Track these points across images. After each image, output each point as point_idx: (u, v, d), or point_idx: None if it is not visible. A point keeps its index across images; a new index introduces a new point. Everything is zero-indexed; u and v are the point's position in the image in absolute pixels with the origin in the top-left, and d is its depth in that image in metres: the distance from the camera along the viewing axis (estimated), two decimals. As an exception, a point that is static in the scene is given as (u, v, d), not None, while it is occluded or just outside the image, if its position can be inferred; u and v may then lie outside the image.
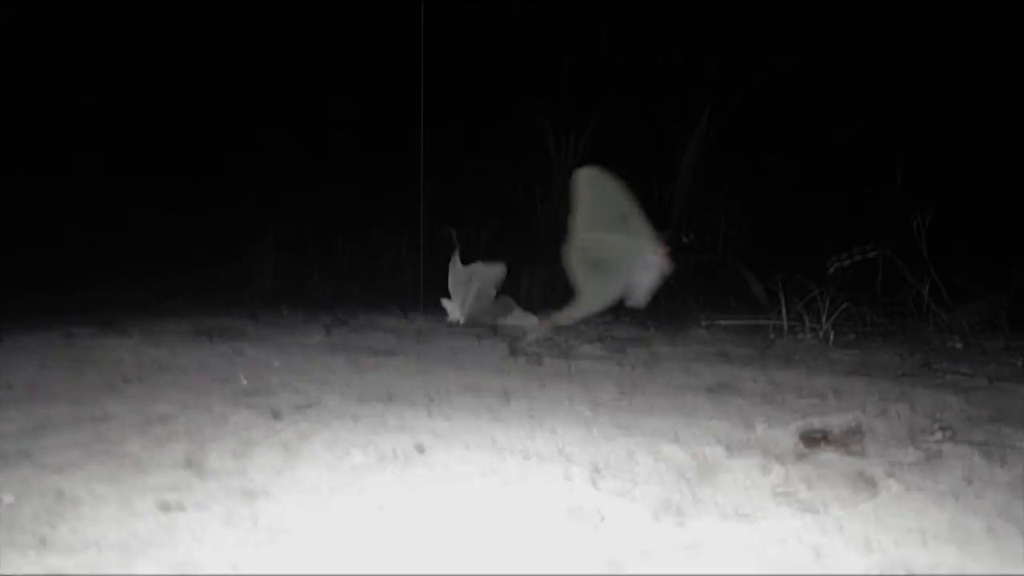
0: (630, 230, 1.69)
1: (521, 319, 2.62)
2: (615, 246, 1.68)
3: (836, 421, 1.38)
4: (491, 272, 2.65)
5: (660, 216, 3.64)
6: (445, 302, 2.65)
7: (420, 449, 1.21)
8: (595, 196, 1.77)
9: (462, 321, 2.59)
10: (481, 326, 2.59)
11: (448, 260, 2.69)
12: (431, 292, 3.46)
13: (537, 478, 1.10)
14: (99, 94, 4.06)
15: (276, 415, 1.41)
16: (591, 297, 1.68)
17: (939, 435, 1.35)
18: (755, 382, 1.80)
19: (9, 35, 3.62)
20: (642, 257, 1.64)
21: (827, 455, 1.22)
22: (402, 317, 2.86)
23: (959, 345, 2.35)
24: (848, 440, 1.29)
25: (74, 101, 4.02)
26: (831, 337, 2.40)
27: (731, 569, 0.84)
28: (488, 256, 3.55)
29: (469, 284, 2.61)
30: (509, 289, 3.13)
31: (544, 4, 4.11)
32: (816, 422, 1.37)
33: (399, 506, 0.99)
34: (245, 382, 1.71)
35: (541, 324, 2.45)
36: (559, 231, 3.58)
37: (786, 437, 1.30)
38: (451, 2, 4.06)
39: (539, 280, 3.46)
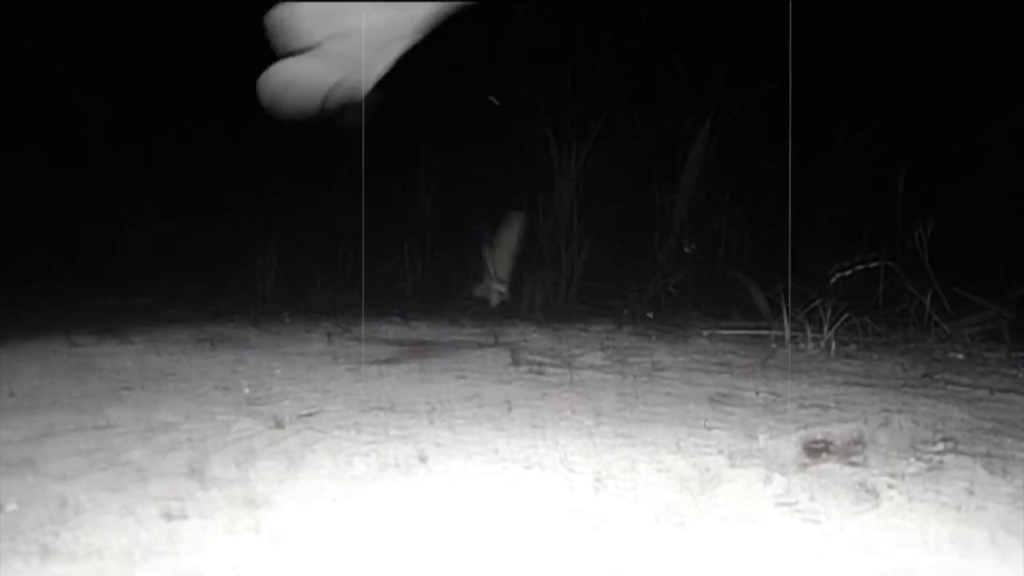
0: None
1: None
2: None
3: (838, 431, 1.38)
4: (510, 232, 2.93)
5: (662, 224, 3.66)
6: (479, 288, 2.90)
7: (422, 458, 1.22)
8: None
9: (504, 291, 2.85)
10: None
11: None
12: (431, 300, 3.46)
13: (539, 488, 1.10)
14: (99, 95, 4.07)
15: (278, 423, 1.41)
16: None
17: (941, 446, 1.35)
18: (757, 392, 1.80)
19: (8, 34, 3.63)
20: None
21: (829, 465, 1.22)
22: (404, 325, 2.86)
23: (961, 355, 2.35)
24: (850, 450, 1.29)
25: (74, 103, 4.03)
26: (833, 347, 2.40)
27: (733, 580, 0.84)
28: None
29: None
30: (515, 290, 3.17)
31: (547, 11, 4.12)
32: (818, 432, 1.37)
33: (401, 515, 0.99)
34: (247, 390, 1.71)
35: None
36: (561, 238, 3.58)
37: (788, 447, 1.30)
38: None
39: (541, 286, 3.46)
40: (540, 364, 2.11)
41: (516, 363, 2.13)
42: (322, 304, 3.35)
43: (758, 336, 2.59)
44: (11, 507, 0.98)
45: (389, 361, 2.14)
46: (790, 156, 2.61)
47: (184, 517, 0.96)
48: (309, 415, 1.49)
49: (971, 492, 1.11)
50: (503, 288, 2.81)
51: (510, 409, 1.58)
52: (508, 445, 1.30)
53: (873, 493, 1.09)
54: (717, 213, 3.69)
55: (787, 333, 2.52)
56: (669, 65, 4.05)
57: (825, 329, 2.46)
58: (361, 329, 2.74)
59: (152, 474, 1.12)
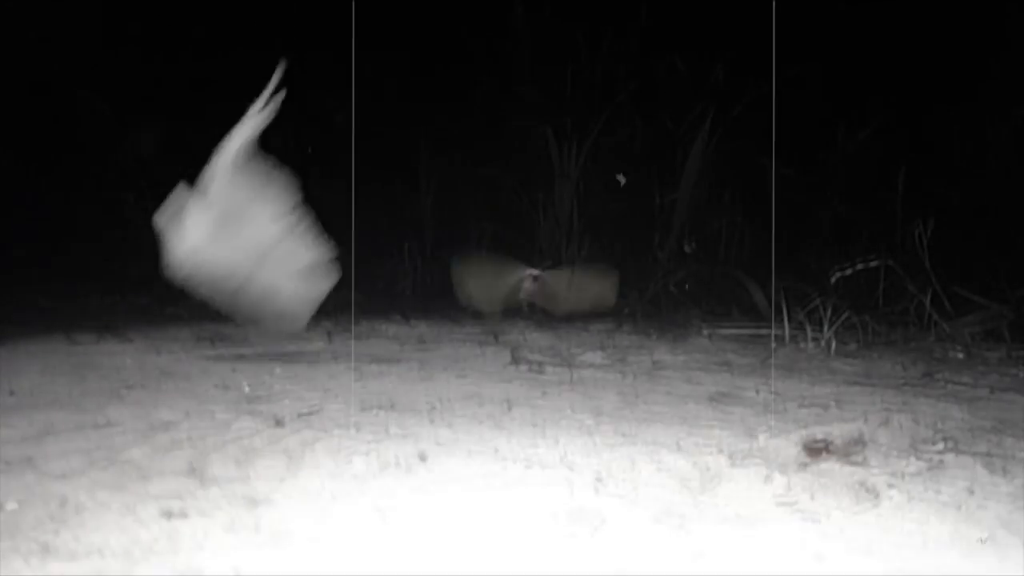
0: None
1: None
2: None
3: (838, 431, 1.38)
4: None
5: (662, 223, 3.66)
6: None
7: (422, 457, 1.22)
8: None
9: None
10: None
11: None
12: (431, 300, 3.45)
13: (539, 486, 1.10)
14: (99, 93, 4.07)
15: (278, 422, 1.41)
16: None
17: (941, 445, 1.35)
18: (757, 391, 1.80)
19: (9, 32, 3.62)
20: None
21: (829, 465, 1.22)
22: (404, 324, 2.86)
23: (961, 355, 2.35)
24: (850, 450, 1.29)
25: (71, 100, 4.03)
26: (833, 346, 2.40)
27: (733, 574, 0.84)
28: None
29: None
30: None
31: (547, 11, 4.12)
32: (818, 432, 1.37)
33: (401, 513, 0.99)
34: (247, 389, 1.71)
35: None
36: (561, 238, 3.58)
37: (788, 447, 1.30)
38: (454, 9, 4.07)
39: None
40: (540, 363, 2.11)
41: (516, 362, 2.13)
42: (322, 303, 3.35)
43: (758, 335, 2.59)
44: (11, 506, 0.98)
45: (389, 360, 2.14)
46: (773, 155, 2.61)
47: (184, 516, 0.96)
48: (309, 414, 1.49)
49: (971, 492, 1.11)
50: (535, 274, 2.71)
51: (510, 408, 1.58)
52: (508, 444, 1.31)
53: (873, 492, 1.09)
54: (717, 212, 3.69)
55: (787, 332, 2.52)
56: (669, 65, 4.05)
57: (825, 328, 2.47)
58: (361, 327, 2.74)
59: (152, 473, 1.12)
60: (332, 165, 4.08)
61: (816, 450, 1.29)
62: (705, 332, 2.70)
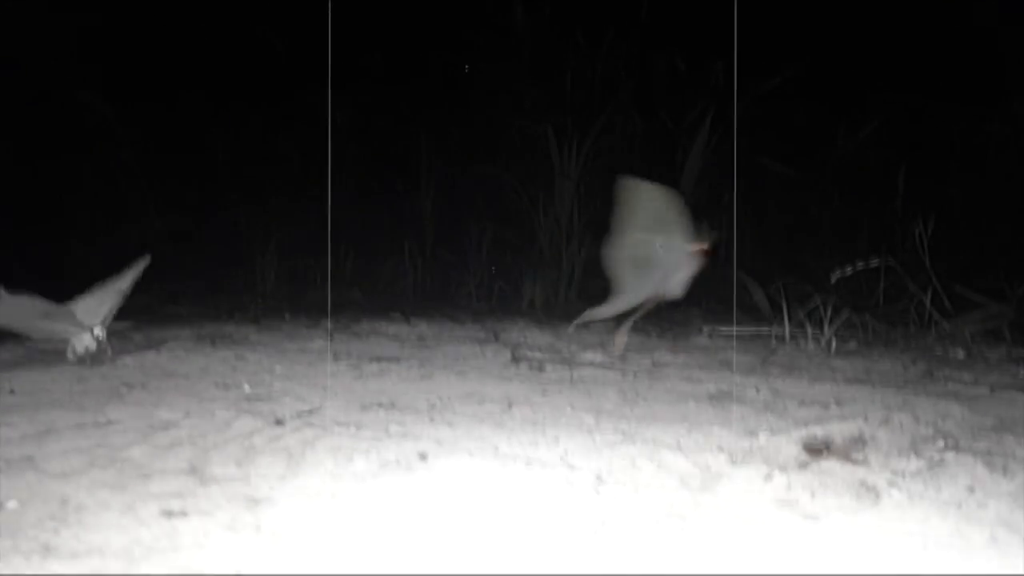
0: (668, 229, 1.96)
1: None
2: (654, 245, 1.99)
3: (838, 430, 1.38)
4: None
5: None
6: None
7: (422, 456, 1.22)
8: (638, 203, 1.98)
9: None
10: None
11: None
12: (431, 298, 3.46)
13: (539, 486, 1.10)
14: (101, 94, 4.08)
15: (279, 421, 1.41)
16: (630, 292, 2.03)
17: (941, 444, 1.35)
18: (757, 390, 1.80)
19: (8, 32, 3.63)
20: (678, 253, 1.98)
21: (829, 464, 1.22)
22: (404, 323, 2.86)
23: (961, 354, 2.35)
24: (850, 449, 1.29)
25: (73, 100, 4.03)
26: (833, 345, 2.40)
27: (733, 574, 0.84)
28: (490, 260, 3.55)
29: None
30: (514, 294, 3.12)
31: (548, 10, 4.12)
32: (818, 431, 1.37)
33: (401, 512, 0.99)
34: (248, 388, 1.71)
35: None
36: (561, 237, 3.58)
37: (788, 446, 1.30)
38: (454, 8, 4.08)
39: (542, 286, 3.46)
40: (540, 362, 2.11)
41: (516, 361, 2.13)
42: (322, 302, 3.35)
43: (758, 335, 2.59)
44: (12, 505, 0.98)
45: (389, 359, 2.13)
46: (735, 157, 2.61)
47: (184, 515, 0.96)
48: (309, 412, 1.49)
49: (972, 491, 1.11)
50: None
51: (510, 407, 1.58)
52: (508, 443, 1.30)
53: (874, 491, 1.10)
54: (717, 211, 3.69)
55: (787, 332, 2.52)
56: (669, 64, 4.05)
57: (825, 327, 2.46)
58: (361, 327, 2.74)
59: (153, 472, 1.12)
60: (334, 168, 4.09)
61: (816, 449, 1.29)
62: (705, 331, 2.70)
